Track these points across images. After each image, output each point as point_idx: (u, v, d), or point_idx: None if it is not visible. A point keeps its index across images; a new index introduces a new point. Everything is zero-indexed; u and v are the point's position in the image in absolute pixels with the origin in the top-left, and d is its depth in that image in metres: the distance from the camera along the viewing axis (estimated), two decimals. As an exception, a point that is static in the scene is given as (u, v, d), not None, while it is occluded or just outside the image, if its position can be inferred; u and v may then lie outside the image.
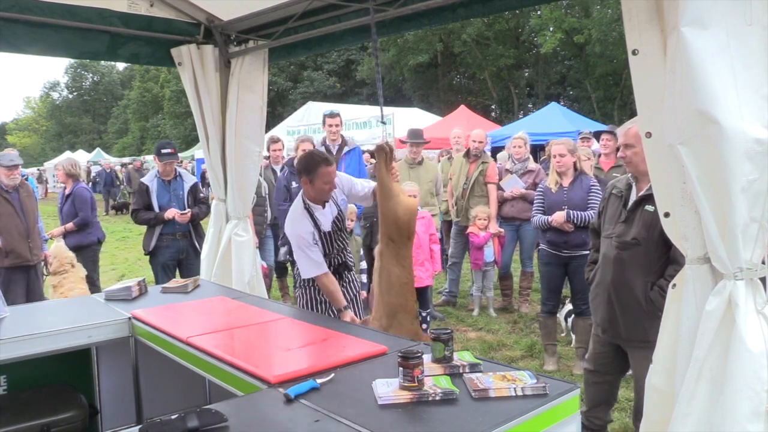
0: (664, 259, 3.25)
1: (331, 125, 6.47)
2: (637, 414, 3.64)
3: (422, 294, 6.06)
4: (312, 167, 3.77)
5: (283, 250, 6.71)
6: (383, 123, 3.72)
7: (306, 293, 3.99)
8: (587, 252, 5.00)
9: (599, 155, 6.89)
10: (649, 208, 3.26)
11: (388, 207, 3.54)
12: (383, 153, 3.60)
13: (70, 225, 6.76)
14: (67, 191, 6.96)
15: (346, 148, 6.47)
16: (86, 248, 6.99)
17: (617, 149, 6.39)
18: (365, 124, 16.03)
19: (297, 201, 3.94)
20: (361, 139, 13.25)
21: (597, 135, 7.20)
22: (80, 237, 6.85)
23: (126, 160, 34.12)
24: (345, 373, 2.31)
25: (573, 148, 5.23)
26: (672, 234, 2.36)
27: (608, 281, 3.45)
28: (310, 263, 3.80)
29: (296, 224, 3.83)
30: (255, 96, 4.92)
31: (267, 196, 6.98)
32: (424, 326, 5.93)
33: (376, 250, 3.69)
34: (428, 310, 6.07)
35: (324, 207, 3.91)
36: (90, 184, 38.03)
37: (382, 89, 3.80)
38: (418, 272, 5.87)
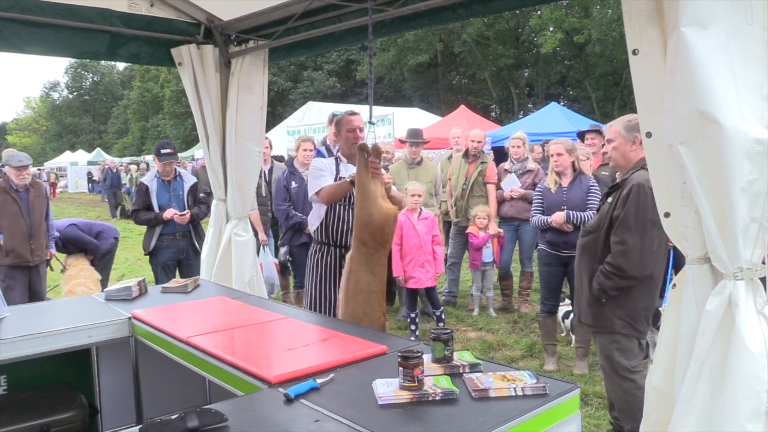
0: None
1: None
2: (611, 403, 3.72)
3: (428, 294, 6.09)
4: (339, 119, 4.15)
5: (282, 250, 6.71)
6: (371, 123, 3.77)
7: (310, 288, 4.02)
8: (586, 252, 5.03)
9: None
10: (609, 200, 3.46)
11: (363, 208, 3.45)
12: (363, 153, 3.57)
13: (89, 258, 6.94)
14: (57, 235, 6.84)
15: None
16: (108, 251, 7.12)
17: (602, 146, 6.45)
18: (367, 124, 16.01)
19: None
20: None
21: (581, 135, 7.14)
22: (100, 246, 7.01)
23: (126, 160, 34.07)
24: (345, 373, 2.31)
25: (571, 147, 5.23)
26: (672, 234, 2.36)
27: (576, 269, 3.69)
28: (317, 184, 3.90)
29: (319, 159, 4.17)
30: (255, 96, 4.92)
31: (269, 196, 6.98)
32: (440, 325, 5.98)
33: (348, 254, 3.61)
34: (441, 309, 6.17)
35: (354, 164, 4.01)
36: (91, 184, 38.18)
37: (373, 89, 3.82)
38: (417, 273, 5.88)
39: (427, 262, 5.91)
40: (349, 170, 4.04)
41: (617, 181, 3.60)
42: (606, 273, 3.37)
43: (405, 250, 5.94)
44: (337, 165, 4.09)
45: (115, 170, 23.10)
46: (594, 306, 3.47)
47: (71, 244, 6.98)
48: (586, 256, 3.54)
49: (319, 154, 6.44)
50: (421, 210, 6.04)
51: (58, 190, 36.74)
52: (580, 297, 3.63)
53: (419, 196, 5.99)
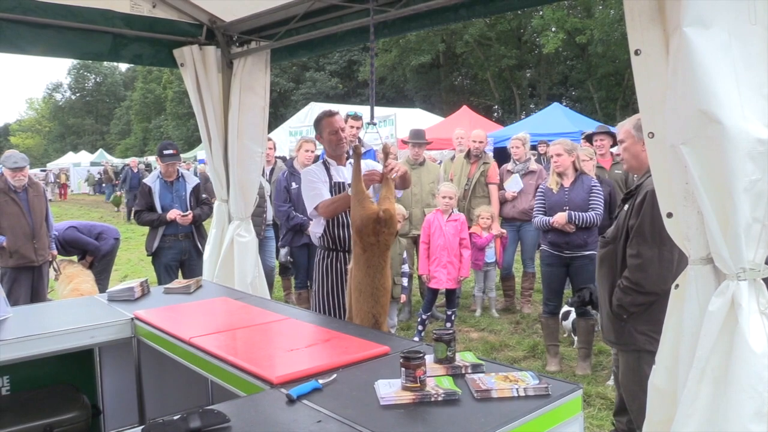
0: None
1: (352, 127, 6.43)
2: (617, 410, 3.66)
3: (448, 294, 6.11)
4: (318, 121, 3.99)
5: (283, 251, 6.69)
6: (373, 124, 3.72)
7: (320, 294, 3.96)
8: (588, 252, 5.02)
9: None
10: (624, 207, 3.28)
11: (351, 207, 3.50)
12: (357, 156, 3.55)
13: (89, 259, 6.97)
14: (56, 235, 6.83)
15: (362, 149, 6.43)
16: (109, 252, 7.12)
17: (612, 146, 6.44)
18: (367, 125, 16.00)
19: None
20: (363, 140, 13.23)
21: (589, 137, 7.17)
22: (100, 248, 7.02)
23: (128, 161, 34.01)
24: (347, 374, 2.31)
25: (570, 147, 5.23)
26: (674, 234, 2.35)
27: (596, 282, 3.49)
28: (314, 196, 3.80)
29: (309, 169, 4.03)
30: (257, 97, 4.92)
31: (268, 197, 6.98)
32: (448, 325, 5.97)
33: None
34: (453, 309, 6.17)
35: (345, 165, 4.00)
36: (95, 185, 38.07)
37: (374, 90, 3.80)
38: (439, 274, 5.90)
39: (450, 263, 5.93)
40: (340, 172, 3.97)
41: (634, 184, 3.49)
42: (624, 288, 3.16)
43: (431, 249, 5.99)
44: (327, 169, 3.97)
45: (135, 170, 21.57)
46: (615, 322, 3.25)
47: (71, 247, 7.00)
48: (605, 268, 3.33)
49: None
50: (453, 212, 6.04)
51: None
52: (601, 312, 3.44)
53: (450, 198, 6.02)
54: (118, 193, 22.08)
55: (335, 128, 3.91)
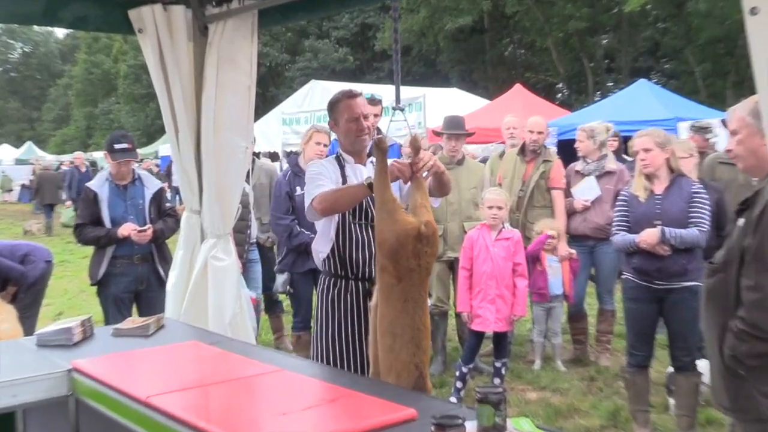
0: None
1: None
2: None
3: (496, 340, 6.11)
4: (333, 104, 3.96)
5: (282, 278, 6.61)
6: (400, 109, 3.68)
7: (322, 337, 3.93)
8: (690, 283, 4.96)
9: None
10: (739, 222, 3.21)
11: (377, 223, 3.46)
12: (380, 150, 3.45)
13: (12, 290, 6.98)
14: None
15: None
16: (39, 280, 7.16)
17: None
18: (386, 110, 16.03)
19: None
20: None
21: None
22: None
23: (66, 157, 34.23)
24: (360, 447, 2.31)
25: (663, 140, 5.19)
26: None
27: (703, 324, 3.43)
28: (316, 186, 3.75)
29: (317, 161, 4.07)
30: (240, 72, 4.95)
31: (250, 207, 6.98)
32: (496, 381, 5.99)
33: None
34: (503, 360, 6.15)
35: (364, 164, 3.99)
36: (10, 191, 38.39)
37: (399, 62, 3.79)
38: (485, 312, 5.84)
39: (500, 297, 5.88)
40: (357, 172, 3.96)
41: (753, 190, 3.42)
42: (738, 333, 3.04)
43: (474, 278, 5.96)
44: (341, 166, 3.97)
45: (84, 170, 21.45)
46: (729, 380, 3.15)
47: None
48: (713, 305, 3.25)
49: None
50: (503, 227, 6.03)
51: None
52: (711, 366, 3.36)
53: (499, 209, 5.96)
54: (67, 204, 21.61)
55: (356, 114, 3.87)
